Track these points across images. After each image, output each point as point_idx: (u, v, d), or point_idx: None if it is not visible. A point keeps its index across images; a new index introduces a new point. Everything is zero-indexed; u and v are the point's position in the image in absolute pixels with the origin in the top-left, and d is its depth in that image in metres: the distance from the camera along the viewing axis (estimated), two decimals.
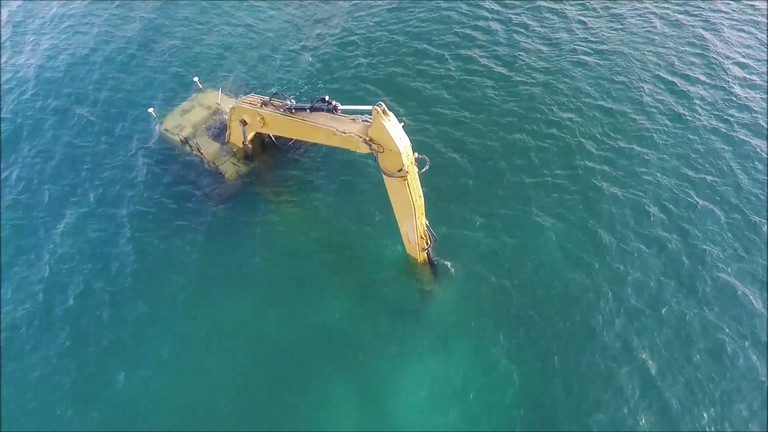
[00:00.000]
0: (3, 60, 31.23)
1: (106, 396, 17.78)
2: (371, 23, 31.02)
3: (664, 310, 18.54)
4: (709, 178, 22.16)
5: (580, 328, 18.29)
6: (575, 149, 23.71)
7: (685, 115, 24.75)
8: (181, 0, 33.96)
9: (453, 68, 27.89)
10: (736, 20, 29.52)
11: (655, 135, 23.95)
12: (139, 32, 31.96)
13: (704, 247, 19.99)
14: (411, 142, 15.54)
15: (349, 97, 25.69)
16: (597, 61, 27.78)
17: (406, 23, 30.84)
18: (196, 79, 26.03)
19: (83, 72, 29.70)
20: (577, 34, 29.45)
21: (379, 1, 32.41)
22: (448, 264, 20.03)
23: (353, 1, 32.69)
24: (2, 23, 33.74)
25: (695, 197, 21.53)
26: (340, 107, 17.18)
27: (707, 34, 28.69)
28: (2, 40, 32.63)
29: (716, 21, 29.49)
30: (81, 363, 18.57)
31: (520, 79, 27.10)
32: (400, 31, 30.33)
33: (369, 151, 16.00)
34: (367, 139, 15.81)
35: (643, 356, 17.47)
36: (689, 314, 18.36)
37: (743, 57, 27.31)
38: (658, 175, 22.43)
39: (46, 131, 26.70)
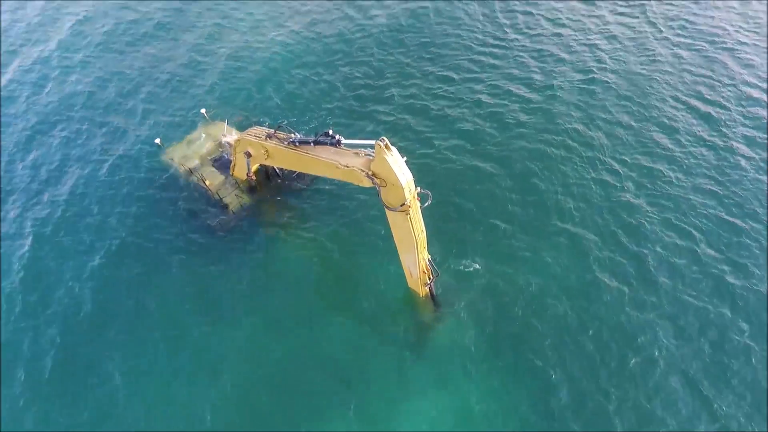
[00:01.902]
0: (6, 85, 31.84)
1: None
2: (375, 55, 31.59)
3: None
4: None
5: (588, 365, 17.94)
6: (584, 184, 23.80)
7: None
8: (188, 32, 34.75)
9: (461, 98, 28.33)
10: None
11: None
12: (147, 63, 32.59)
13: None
14: (413, 177, 15.61)
15: (352, 129, 26.09)
16: (603, 92, 28.14)
17: (407, 51, 31.45)
18: (203, 111, 26.44)
19: (91, 101, 30.15)
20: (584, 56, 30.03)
21: (386, 32, 33.11)
22: (450, 299, 19.84)
23: (357, 35, 33.39)
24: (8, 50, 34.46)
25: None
26: (344, 141, 17.33)
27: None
28: (10, 68, 33.25)
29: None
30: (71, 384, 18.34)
31: (521, 113, 27.43)
32: (402, 63, 30.89)
33: (372, 184, 16.04)
34: (370, 173, 15.87)
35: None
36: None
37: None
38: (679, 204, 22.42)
39: (53, 155, 26.98)
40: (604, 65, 29.96)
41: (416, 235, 16.68)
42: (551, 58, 30.72)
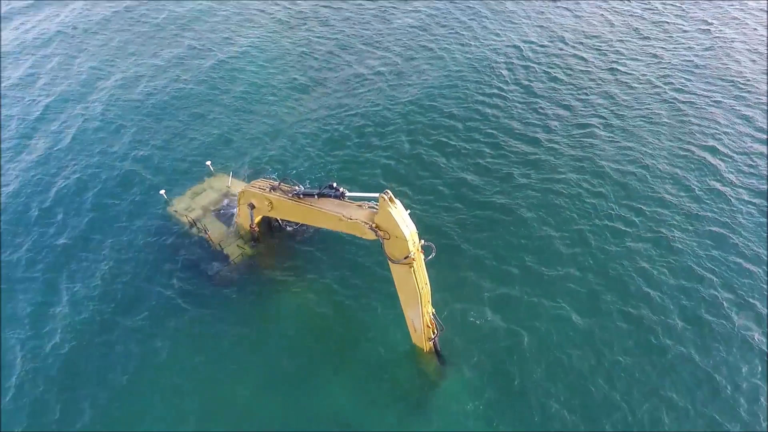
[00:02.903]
0: (7, 135, 32.48)
1: None
2: (380, 105, 32.42)
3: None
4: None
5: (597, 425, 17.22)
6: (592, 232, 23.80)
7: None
8: (197, 85, 35.83)
9: (465, 147, 28.90)
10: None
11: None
12: (153, 115, 33.40)
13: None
14: (417, 229, 15.58)
15: (355, 180, 26.39)
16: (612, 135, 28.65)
17: (411, 103, 32.26)
18: (208, 163, 26.84)
19: (95, 152, 30.63)
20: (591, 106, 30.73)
21: (392, 83, 34.16)
22: (455, 354, 19.32)
23: (363, 86, 34.46)
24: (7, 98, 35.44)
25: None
26: (348, 194, 17.45)
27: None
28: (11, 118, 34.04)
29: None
30: None
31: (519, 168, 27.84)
32: (406, 114, 31.64)
33: (375, 237, 15.99)
34: (374, 225, 15.86)
35: None
36: None
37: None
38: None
39: (54, 207, 27.10)
40: (604, 118, 30.78)
41: (420, 288, 16.46)
42: (551, 111, 31.59)
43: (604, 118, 30.90)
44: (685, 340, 19.62)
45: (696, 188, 25.90)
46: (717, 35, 38.28)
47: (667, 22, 40.48)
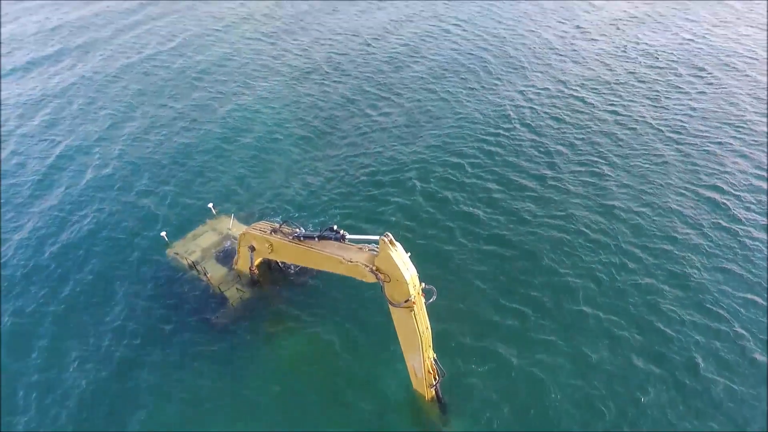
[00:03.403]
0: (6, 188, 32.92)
1: None
2: (387, 146, 32.88)
3: None
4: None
5: None
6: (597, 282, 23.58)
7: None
8: (210, 128, 36.52)
9: (472, 187, 29.21)
10: None
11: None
12: (166, 156, 33.91)
13: None
14: (424, 263, 15.50)
15: (356, 224, 26.45)
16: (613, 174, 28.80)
17: (418, 143, 32.70)
18: (210, 205, 26.99)
19: (106, 193, 30.99)
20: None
21: (395, 132, 34.75)
22: (459, 402, 18.74)
23: (370, 128, 35.05)
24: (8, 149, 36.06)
25: None
26: (348, 236, 17.41)
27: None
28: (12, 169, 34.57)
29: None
30: None
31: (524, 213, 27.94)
32: (412, 153, 32.03)
33: (376, 280, 15.83)
34: (374, 268, 15.74)
35: None
36: None
37: None
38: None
39: (51, 253, 27.14)
40: (605, 158, 31.31)
41: (421, 332, 16.15)
42: (555, 150, 32.24)
43: (605, 158, 31.34)
44: (706, 378, 19.14)
45: (700, 225, 25.95)
46: (710, 80, 39.26)
47: (661, 67, 41.61)
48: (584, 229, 26.10)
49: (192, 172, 32.26)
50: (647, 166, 30.45)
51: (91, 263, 26.15)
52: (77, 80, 44.38)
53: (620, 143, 32.63)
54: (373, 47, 47.90)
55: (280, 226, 20.04)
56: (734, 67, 40.79)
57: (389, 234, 15.13)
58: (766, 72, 39.73)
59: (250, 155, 33.50)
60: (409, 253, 15.46)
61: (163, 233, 25.47)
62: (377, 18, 55.80)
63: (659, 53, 44.11)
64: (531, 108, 36.99)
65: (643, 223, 26.23)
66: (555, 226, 26.45)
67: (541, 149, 32.41)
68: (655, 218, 26.57)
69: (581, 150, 32.12)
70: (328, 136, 34.94)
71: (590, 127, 34.32)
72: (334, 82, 41.69)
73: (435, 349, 17.10)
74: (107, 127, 37.30)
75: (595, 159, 31.27)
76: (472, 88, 39.97)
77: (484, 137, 33.89)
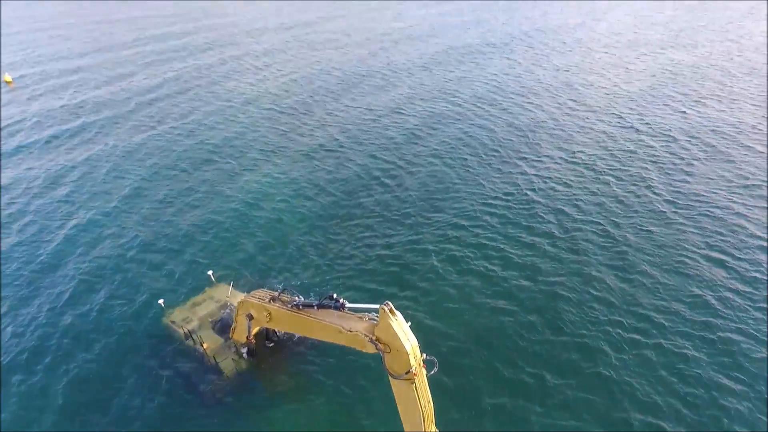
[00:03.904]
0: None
1: None
2: (385, 215, 33.15)
3: None
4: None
5: None
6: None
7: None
8: (212, 199, 37.07)
9: (478, 248, 28.88)
10: None
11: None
12: (156, 225, 34.16)
13: None
14: (422, 331, 15.15)
15: (356, 292, 26.15)
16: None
17: (415, 213, 32.98)
18: (210, 273, 26.84)
19: (97, 259, 30.88)
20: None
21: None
22: None
23: (369, 195, 35.55)
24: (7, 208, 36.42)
25: None
26: (348, 305, 17.15)
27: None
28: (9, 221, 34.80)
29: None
30: None
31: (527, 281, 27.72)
32: (411, 225, 32.20)
33: (375, 350, 15.42)
34: (374, 338, 15.38)
35: None
36: None
37: None
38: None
39: (42, 321, 26.68)
40: (601, 225, 31.72)
41: (422, 406, 15.49)
42: (550, 217, 32.73)
43: (601, 224, 31.74)
44: None
45: (697, 293, 25.70)
46: (704, 148, 40.40)
47: (656, 135, 43.00)
48: (583, 296, 25.94)
49: (198, 242, 32.36)
50: (641, 234, 30.78)
51: (78, 329, 25.63)
52: (95, 154, 45.79)
53: (614, 211, 33.23)
54: (385, 121, 50.08)
55: (279, 294, 19.80)
56: (725, 136, 42.15)
57: (389, 303, 14.92)
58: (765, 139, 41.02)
59: (260, 227, 33.72)
60: (409, 323, 15.17)
61: (161, 301, 25.15)
62: (390, 95, 58.81)
63: (654, 123, 45.83)
64: (524, 173, 38.28)
65: (639, 292, 26.06)
66: (552, 293, 26.27)
67: (537, 216, 33.06)
68: (651, 286, 26.44)
69: (577, 218, 32.62)
70: (339, 208, 35.33)
71: (585, 197, 35.16)
72: (346, 157, 42.98)
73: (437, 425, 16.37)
74: (119, 199, 37.90)
75: (591, 226, 31.68)
76: (480, 158, 41.55)
77: (479, 205, 34.57)
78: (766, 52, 67.67)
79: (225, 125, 50.76)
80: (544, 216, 32.83)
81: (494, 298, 26.02)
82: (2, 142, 48.13)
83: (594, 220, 32.16)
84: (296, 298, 19.19)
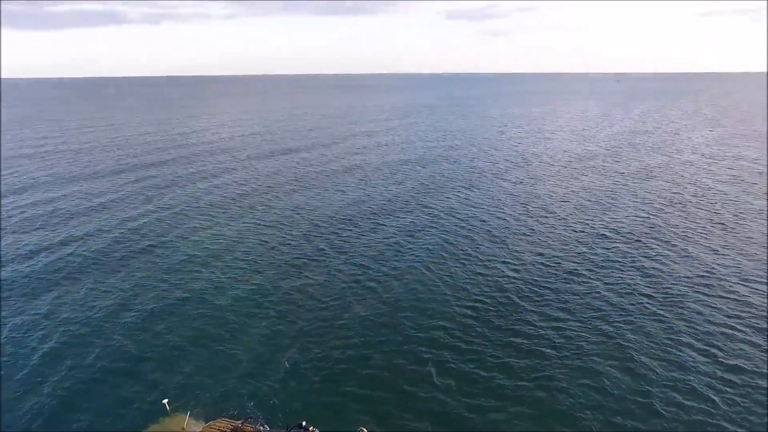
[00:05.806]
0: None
1: None
2: (356, 341, 31.78)
3: None
4: None
5: None
6: None
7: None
8: (187, 316, 35.21)
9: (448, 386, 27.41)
10: None
11: None
12: (111, 349, 31.71)
13: None
14: None
15: (328, 419, 24.11)
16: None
17: (390, 341, 31.75)
18: (165, 401, 24.44)
19: (44, 383, 27.96)
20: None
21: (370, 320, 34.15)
22: None
23: (343, 315, 34.36)
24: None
25: None
26: None
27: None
28: None
29: None
30: None
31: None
32: (383, 350, 30.80)
33: None
34: None
35: None
36: None
37: None
38: None
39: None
40: (593, 326, 31.68)
41: None
42: (540, 323, 32.44)
43: (593, 326, 31.87)
44: None
45: (694, 390, 25.42)
46: (671, 248, 42.03)
47: (630, 240, 44.60)
48: (579, 401, 24.97)
49: (160, 368, 29.84)
50: (629, 336, 30.86)
51: None
52: (81, 266, 44.38)
53: (605, 311, 33.67)
54: (369, 234, 50.92)
55: (242, 423, 18.12)
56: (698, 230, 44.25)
57: (364, 429, 13.74)
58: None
59: (212, 343, 31.79)
60: None
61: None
62: (368, 204, 60.76)
63: (623, 228, 48.50)
64: (508, 277, 38.93)
65: (633, 407, 25.20)
66: (543, 399, 25.30)
67: (525, 320, 33.03)
68: (645, 385, 26.05)
69: (566, 321, 32.67)
70: (296, 324, 33.91)
71: (574, 299, 35.73)
72: (331, 268, 42.78)
73: None
74: (104, 316, 35.84)
75: (583, 331, 31.69)
76: (464, 263, 42.33)
77: (464, 310, 34.30)
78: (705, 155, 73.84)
79: (211, 240, 50.21)
80: (532, 320, 32.79)
81: (484, 412, 24.21)
82: None
83: (582, 322, 32.26)
84: (261, 428, 17.58)
